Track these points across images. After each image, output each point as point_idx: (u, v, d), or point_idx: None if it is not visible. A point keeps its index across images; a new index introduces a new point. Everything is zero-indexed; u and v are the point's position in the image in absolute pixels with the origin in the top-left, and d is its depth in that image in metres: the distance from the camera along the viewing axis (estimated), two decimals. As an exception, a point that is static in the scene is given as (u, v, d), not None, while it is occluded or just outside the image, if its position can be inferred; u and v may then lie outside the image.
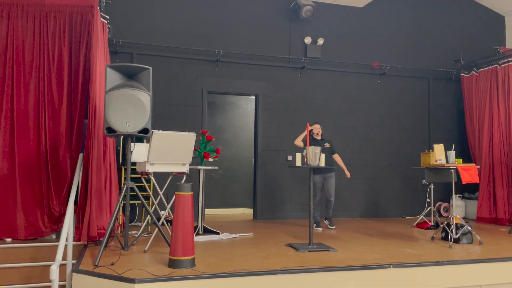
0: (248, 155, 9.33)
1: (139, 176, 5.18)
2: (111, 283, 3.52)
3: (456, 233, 5.30)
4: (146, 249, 4.60)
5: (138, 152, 5.65)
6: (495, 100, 7.74)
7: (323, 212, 6.87)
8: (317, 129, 6.56)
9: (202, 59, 7.53)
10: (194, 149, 5.64)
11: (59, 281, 3.86)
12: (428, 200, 7.15)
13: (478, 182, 5.59)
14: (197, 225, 5.86)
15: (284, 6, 8.01)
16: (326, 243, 5.19)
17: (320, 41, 8.01)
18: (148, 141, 6.01)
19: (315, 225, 6.65)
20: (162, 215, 5.15)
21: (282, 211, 7.76)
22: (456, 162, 5.59)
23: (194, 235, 5.55)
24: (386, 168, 8.39)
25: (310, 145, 6.30)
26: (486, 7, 9.13)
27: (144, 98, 4.41)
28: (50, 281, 3.56)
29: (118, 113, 4.33)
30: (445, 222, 5.56)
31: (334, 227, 6.67)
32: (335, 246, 5.04)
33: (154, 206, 5.04)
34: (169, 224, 6.21)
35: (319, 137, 6.60)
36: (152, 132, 4.51)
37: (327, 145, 6.62)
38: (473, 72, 8.33)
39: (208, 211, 8.85)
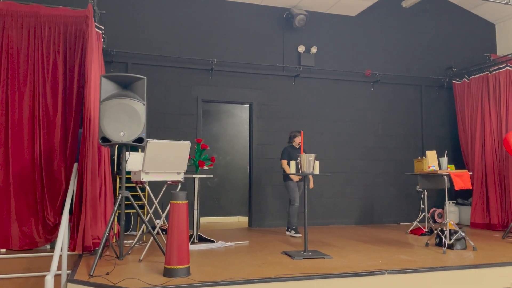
0: (243, 163, 9.35)
1: (134, 185, 5.18)
2: (106, 292, 3.51)
3: (450, 239, 5.34)
4: (141, 258, 4.59)
5: (133, 161, 5.66)
6: (486, 106, 7.83)
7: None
8: (298, 138, 6.82)
9: (196, 68, 7.57)
10: (189, 157, 5.65)
11: (54, 291, 3.84)
12: (422, 206, 7.19)
13: (471, 188, 5.65)
14: (192, 234, 5.85)
15: (278, 16, 8.09)
16: (321, 250, 5.20)
17: (314, 50, 8.09)
18: (142, 150, 6.02)
19: (293, 231, 6.61)
20: (157, 224, 5.15)
21: (278, 219, 7.76)
22: (448, 169, 5.65)
23: (189, 243, 5.55)
24: (380, 175, 8.43)
25: (291, 153, 6.75)
26: (477, 15, 9.27)
27: (139, 107, 4.43)
28: (44, 291, 3.55)
29: (113, 123, 4.35)
30: (439, 228, 5.60)
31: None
32: (330, 253, 5.06)
33: (149, 215, 5.05)
34: (164, 233, 6.19)
35: (297, 146, 6.84)
36: (147, 141, 4.53)
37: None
38: (464, 79, 8.43)
39: (203, 220, 8.83)
